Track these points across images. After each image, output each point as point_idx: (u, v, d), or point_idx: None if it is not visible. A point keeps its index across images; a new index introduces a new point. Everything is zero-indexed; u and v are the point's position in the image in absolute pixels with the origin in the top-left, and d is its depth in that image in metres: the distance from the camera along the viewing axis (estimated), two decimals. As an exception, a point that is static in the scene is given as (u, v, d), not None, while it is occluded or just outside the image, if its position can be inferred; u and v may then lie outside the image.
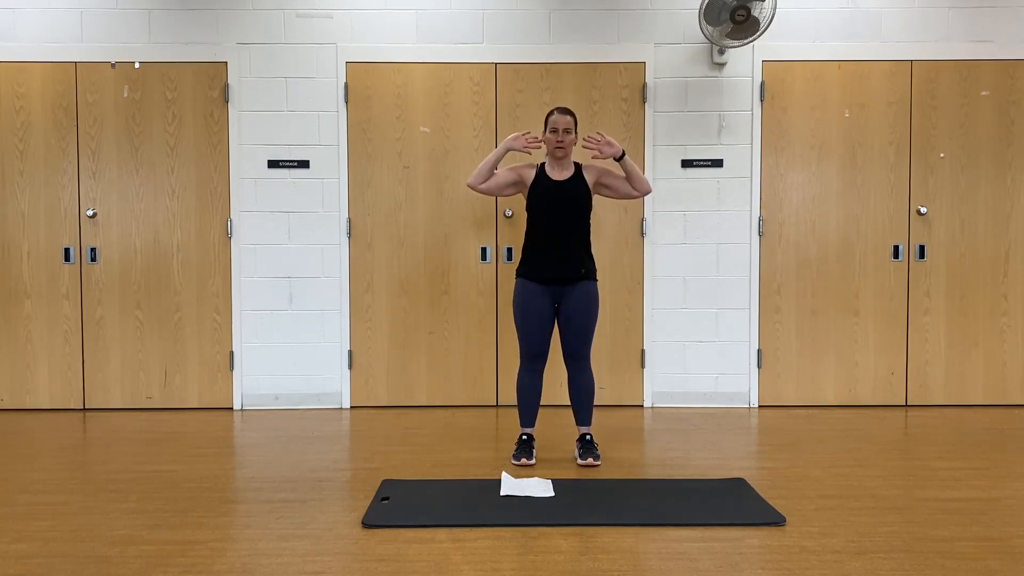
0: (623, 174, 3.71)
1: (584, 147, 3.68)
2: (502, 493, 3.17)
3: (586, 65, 4.83)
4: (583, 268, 3.67)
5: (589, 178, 3.70)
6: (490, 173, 3.69)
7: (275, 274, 4.87)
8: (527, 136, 3.67)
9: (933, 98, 4.85)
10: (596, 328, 3.75)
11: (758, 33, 4.47)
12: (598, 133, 3.68)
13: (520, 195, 3.78)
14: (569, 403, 3.75)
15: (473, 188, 3.71)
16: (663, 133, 4.85)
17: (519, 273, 3.73)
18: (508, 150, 3.69)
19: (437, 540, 2.70)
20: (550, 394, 4.86)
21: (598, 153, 3.66)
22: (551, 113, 3.66)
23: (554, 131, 3.63)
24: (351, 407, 4.91)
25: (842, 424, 4.47)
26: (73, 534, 2.78)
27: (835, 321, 4.91)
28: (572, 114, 3.66)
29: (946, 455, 3.81)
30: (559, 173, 3.69)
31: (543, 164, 3.73)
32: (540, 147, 3.71)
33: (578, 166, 3.73)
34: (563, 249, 3.64)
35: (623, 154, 3.65)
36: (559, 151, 3.63)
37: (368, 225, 4.87)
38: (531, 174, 3.71)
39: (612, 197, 3.83)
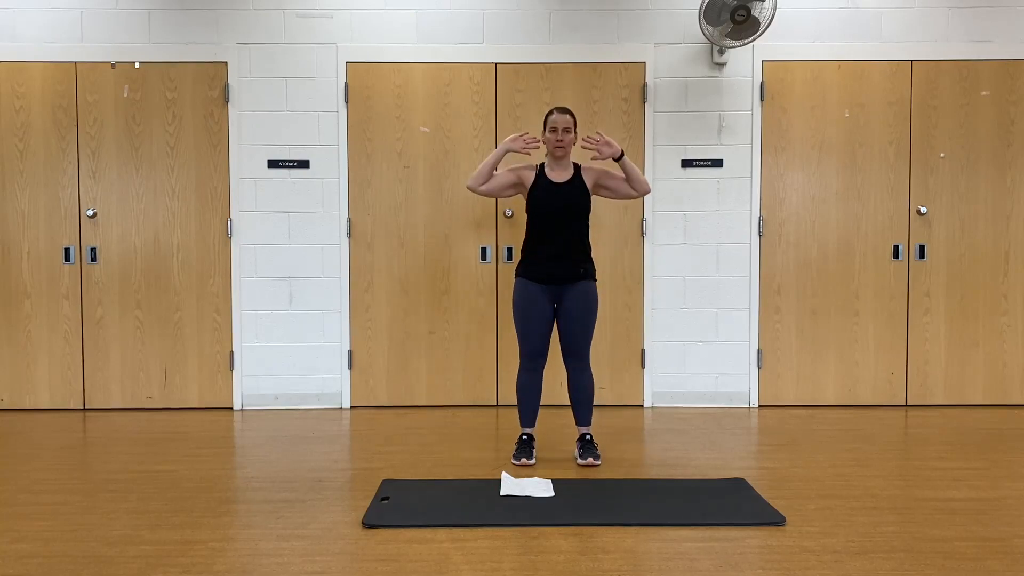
0: (622, 175, 3.71)
1: (583, 147, 3.68)
2: (502, 493, 3.17)
3: (586, 65, 4.83)
4: (582, 268, 3.68)
5: (588, 180, 3.70)
6: (489, 174, 3.69)
7: (275, 274, 4.87)
8: (525, 137, 3.67)
9: (933, 98, 4.85)
10: (596, 328, 3.76)
11: (758, 33, 4.47)
12: (597, 133, 3.68)
13: (520, 196, 3.78)
14: (569, 403, 3.75)
15: (473, 190, 3.71)
16: (663, 133, 4.85)
17: (518, 273, 3.73)
18: (507, 151, 3.68)
19: (437, 540, 2.70)
20: (550, 394, 4.86)
21: (597, 153, 3.66)
22: (550, 113, 3.67)
23: (553, 130, 3.63)
24: (351, 407, 4.91)
25: (842, 424, 4.46)
26: (73, 534, 2.78)
27: (835, 321, 4.91)
28: (571, 113, 3.67)
29: (946, 455, 3.81)
30: (558, 174, 3.69)
31: (542, 165, 3.73)
32: (539, 147, 3.71)
33: (577, 167, 3.73)
34: (562, 250, 3.65)
35: (622, 154, 3.65)
36: (559, 150, 3.64)
37: (368, 225, 4.87)
38: (531, 175, 3.71)
39: (611, 198, 3.84)
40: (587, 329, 3.67)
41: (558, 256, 3.65)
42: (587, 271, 3.70)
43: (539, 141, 3.68)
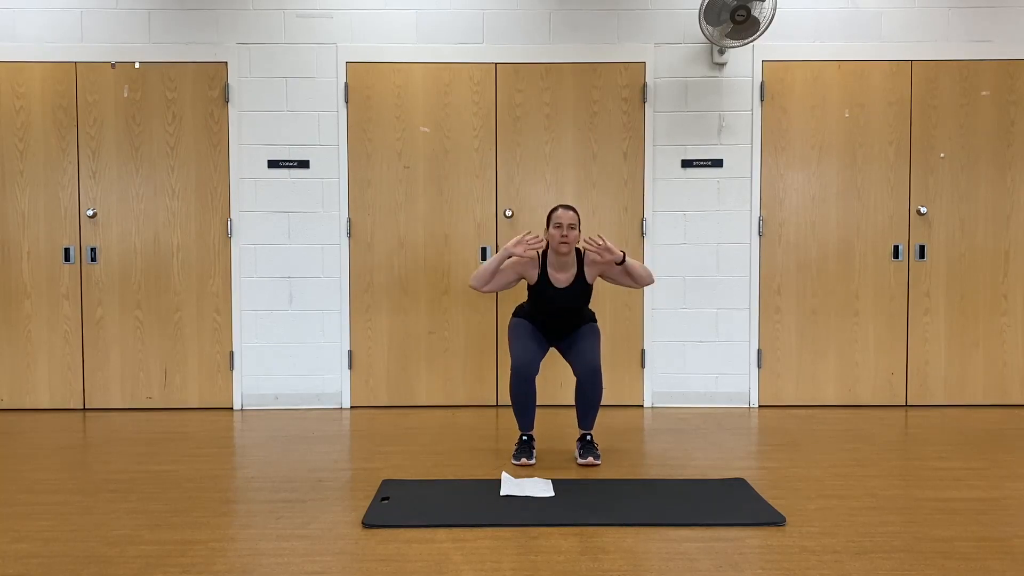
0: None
1: (584, 248, 3.66)
2: (502, 493, 3.17)
3: (586, 65, 4.83)
4: (582, 323, 3.80)
5: (591, 273, 3.72)
6: (491, 277, 3.66)
7: (275, 274, 4.87)
8: (528, 239, 3.59)
9: (933, 98, 4.85)
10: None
11: (758, 33, 4.47)
12: (599, 237, 3.62)
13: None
14: (568, 403, 3.76)
15: (476, 290, 3.69)
16: (663, 133, 4.85)
17: (518, 314, 3.83)
18: (509, 256, 3.62)
19: (437, 540, 2.70)
20: (550, 394, 4.87)
21: (597, 257, 3.62)
22: (555, 209, 3.64)
23: (558, 226, 3.60)
24: (351, 407, 4.91)
25: (842, 424, 4.46)
26: (73, 534, 2.78)
27: (835, 321, 4.91)
28: (575, 210, 3.65)
29: (946, 455, 3.81)
30: (562, 274, 3.69)
31: (545, 256, 3.71)
32: (542, 246, 3.65)
33: (580, 261, 3.71)
34: (565, 324, 3.78)
35: (623, 258, 3.61)
36: (563, 246, 3.62)
37: (368, 225, 4.87)
38: (533, 273, 3.70)
39: (613, 284, 3.88)
40: (594, 350, 3.69)
41: (559, 325, 3.78)
42: (585, 321, 3.82)
43: (542, 240, 3.64)
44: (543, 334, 3.80)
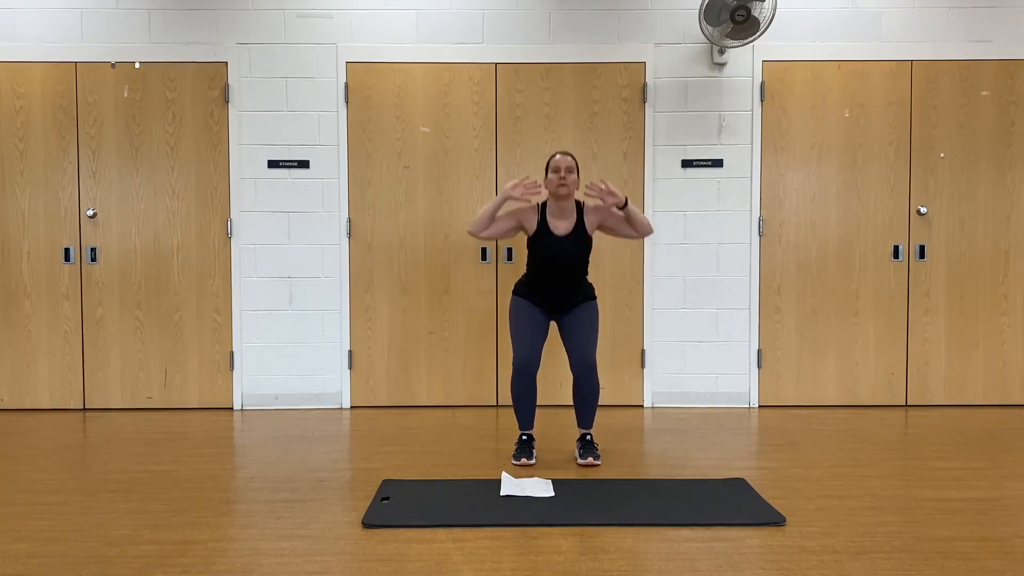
0: (624, 216, 3.68)
1: (586, 194, 3.64)
2: (502, 493, 3.17)
3: (586, 65, 4.83)
4: (582, 295, 3.73)
5: (591, 223, 3.69)
6: (490, 221, 3.64)
7: (275, 274, 4.87)
8: (526, 182, 3.60)
9: (933, 98, 4.85)
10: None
11: (758, 33, 4.47)
12: (601, 181, 3.60)
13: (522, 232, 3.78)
14: (568, 403, 3.76)
15: (474, 236, 3.67)
16: (663, 133, 4.85)
17: (517, 292, 3.76)
18: (507, 198, 3.61)
19: (437, 540, 2.70)
20: (550, 394, 4.87)
21: (600, 201, 3.62)
22: (553, 156, 3.64)
23: (556, 171, 3.60)
24: (351, 407, 4.91)
25: (842, 424, 4.47)
26: (73, 534, 2.78)
27: (835, 321, 4.91)
28: (573, 156, 3.65)
29: (946, 455, 3.81)
30: (561, 222, 3.66)
31: (544, 206, 3.69)
32: (540, 192, 3.64)
33: (580, 210, 3.69)
34: (563, 289, 3.70)
35: (626, 203, 3.61)
36: (562, 189, 3.60)
37: (368, 225, 4.87)
38: (532, 220, 3.68)
39: (612, 235, 3.82)
40: (592, 339, 3.66)
41: (558, 292, 3.70)
42: (587, 295, 3.74)
43: (540, 185, 3.62)
44: (543, 308, 3.71)
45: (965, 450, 3.90)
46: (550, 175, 3.62)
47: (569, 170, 3.60)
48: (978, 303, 4.91)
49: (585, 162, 4.83)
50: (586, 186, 3.62)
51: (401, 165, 4.85)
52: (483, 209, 3.64)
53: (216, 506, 3.07)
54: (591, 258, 3.81)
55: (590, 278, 3.88)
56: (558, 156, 3.62)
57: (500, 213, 3.67)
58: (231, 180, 4.82)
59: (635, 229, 3.67)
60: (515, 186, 3.58)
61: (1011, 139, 4.85)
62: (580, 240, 3.66)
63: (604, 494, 3.18)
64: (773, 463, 3.67)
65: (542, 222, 3.66)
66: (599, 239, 3.80)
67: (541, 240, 3.66)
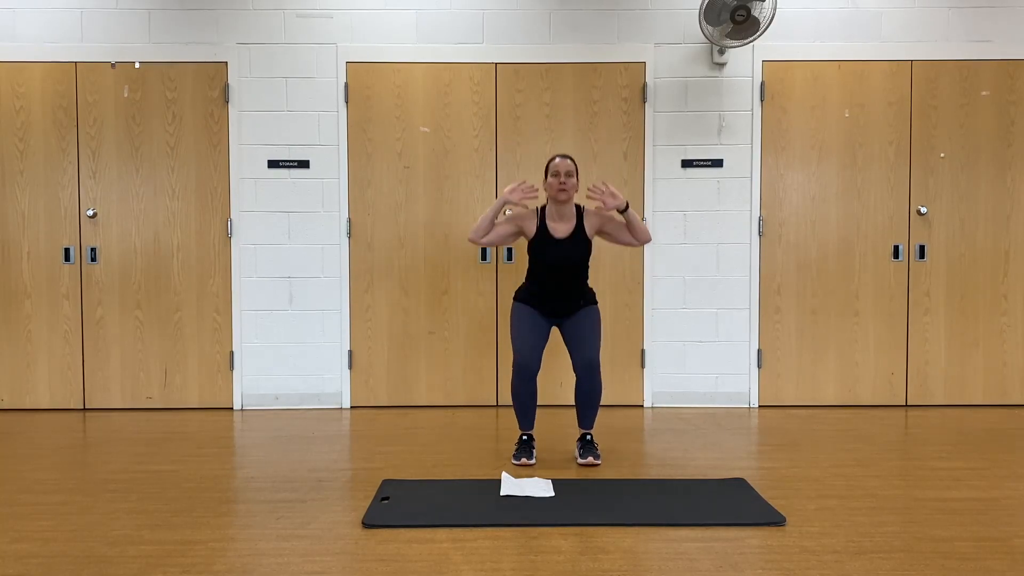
0: (624, 221, 3.67)
1: (588, 196, 3.63)
2: (502, 493, 3.17)
3: (586, 65, 4.83)
4: (583, 299, 3.73)
5: (590, 228, 3.68)
6: (490, 227, 3.64)
7: (275, 274, 4.87)
8: (523, 186, 3.58)
9: (933, 98, 4.85)
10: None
11: (758, 33, 4.47)
12: (602, 183, 3.59)
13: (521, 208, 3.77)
14: (568, 403, 3.76)
15: (474, 243, 3.68)
16: (663, 133, 4.85)
17: (518, 298, 3.76)
18: (505, 203, 3.60)
19: (437, 540, 2.70)
20: (550, 394, 4.87)
21: (601, 204, 3.59)
22: (552, 159, 3.64)
23: (555, 175, 3.59)
24: (351, 407, 4.91)
25: (842, 424, 4.47)
26: (73, 534, 2.78)
27: (835, 321, 4.91)
28: (573, 159, 3.65)
29: (946, 455, 3.81)
30: (560, 226, 3.66)
31: (543, 210, 3.69)
32: (538, 196, 3.63)
33: (580, 214, 3.69)
34: (563, 294, 3.70)
35: (627, 206, 3.60)
36: (562, 194, 3.60)
37: (368, 225, 4.87)
38: (532, 225, 3.68)
39: (610, 242, 3.81)
40: (594, 341, 3.66)
41: (559, 297, 3.70)
42: (587, 300, 3.74)
43: (537, 189, 3.61)
44: (544, 312, 3.72)
45: (965, 450, 3.90)
46: (550, 179, 3.62)
47: (569, 174, 3.60)
48: (978, 303, 4.91)
49: (585, 162, 4.83)
50: (588, 188, 3.62)
51: (401, 165, 4.85)
52: (481, 216, 3.65)
53: (216, 506, 3.07)
54: (591, 261, 3.79)
55: (590, 279, 3.87)
56: (558, 159, 3.62)
57: (499, 219, 3.67)
58: (231, 180, 4.82)
59: (634, 236, 3.66)
60: (512, 190, 3.58)
61: (1011, 139, 4.85)
62: (580, 243, 3.66)
63: (604, 494, 3.18)
64: (773, 463, 3.67)
65: (541, 226, 3.66)
66: (598, 241, 3.79)
67: (541, 244, 3.66)
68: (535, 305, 3.71)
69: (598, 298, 4.74)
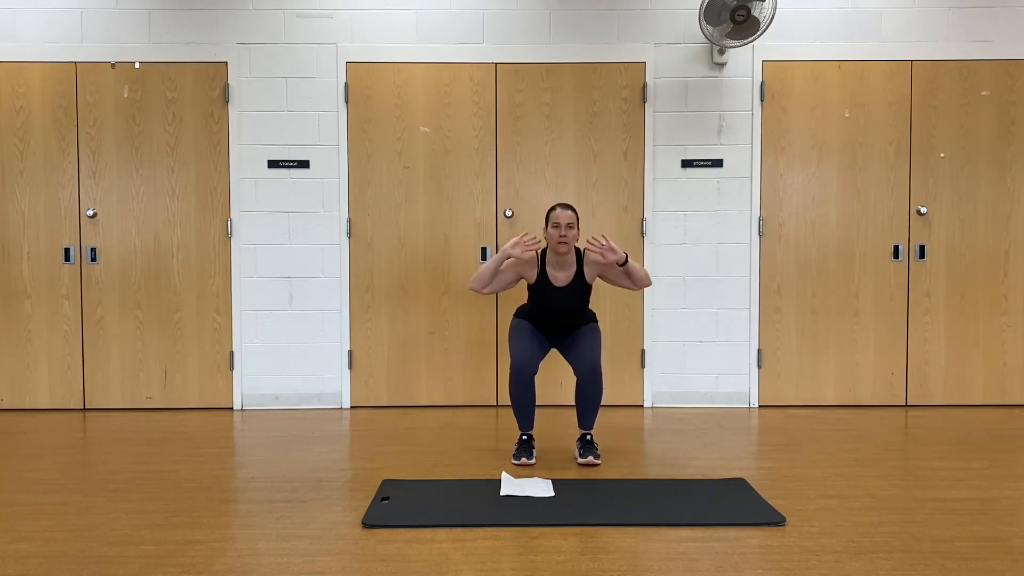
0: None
1: (587, 249, 3.63)
2: (502, 493, 3.17)
3: (586, 65, 4.83)
4: (583, 322, 3.79)
5: (590, 274, 3.71)
6: (492, 278, 3.65)
7: (275, 274, 4.87)
8: (525, 240, 3.57)
9: (933, 98, 4.85)
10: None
11: (758, 33, 4.47)
12: (602, 236, 3.58)
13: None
14: (569, 403, 3.76)
15: (476, 292, 3.69)
16: (663, 133, 4.85)
17: (519, 315, 3.81)
18: (507, 258, 3.60)
19: (437, 540, 2.70)
20: (550, 394, 4.87)
21: (600, 257, 3.58)
22: (553, 208, 3.64)
23: (556, 226, 3.60)
24: (351, 407, 4.91)
25: (842, 424, 4.46)
26: (73, 534, 2.78)
27: (835, 321, 4.91)
28: (574, 209, 3.65)
29: (946, 455, 3.81)
30: (561, 272, 3.68)
31: (544, 255, 3.70)
32: (539, 246, 3.63)
33: (580, 260, 3.70)
34: (564, 323, 3.77)
35: (626, 259, 3.59)
36: (562, 246, 3.61)
37: (368, 225, 4.87)
38: (533, 273, 3.70)
39: (611, 285, 3.84)
40: (595, 348, 3.68)
41: (559, 325, 3.77)
42: (587, 320, 3.80)
43: (539, 241, 3.62)
44: (544, 334, 3.80)
45: (965, 450, 3.90)
46: (550, 229, 3.63)
47: (570, 226, 3.61)
48: (978, 303, 4.91)
49: (585, 162, 4.83)
50: (587, 240, 3.63)
51: (401, 165, 4.85)
52: (483, 266, 3.66)
53: (216, 506, 3.07)
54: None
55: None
56: (558, 210, 3.63)
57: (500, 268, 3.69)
58: (231, 180, 4.82)
59: (634, 283, 3.69)
60: (515, 245, 3.58)
61: (1011, 139, 4.85)
62: (580, 290, 3.71)
63: (604, 494, 3.18)
64: (773, 463, 3.67)
65: (542, 273, 3.69)
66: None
67: (541, 290, 3.71)
68: (536, 326, 3.79)
69: (598, 300, 4.76)
